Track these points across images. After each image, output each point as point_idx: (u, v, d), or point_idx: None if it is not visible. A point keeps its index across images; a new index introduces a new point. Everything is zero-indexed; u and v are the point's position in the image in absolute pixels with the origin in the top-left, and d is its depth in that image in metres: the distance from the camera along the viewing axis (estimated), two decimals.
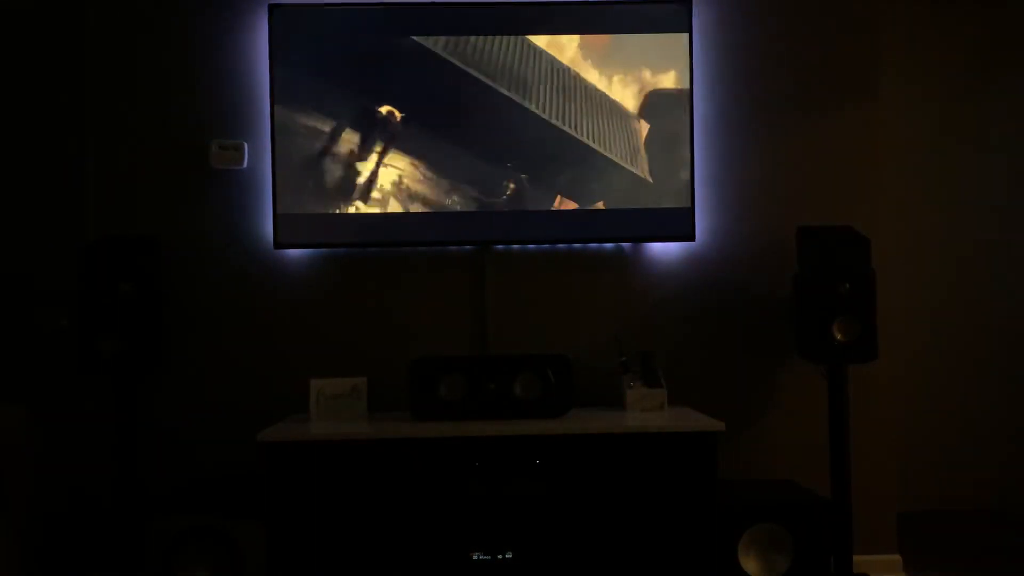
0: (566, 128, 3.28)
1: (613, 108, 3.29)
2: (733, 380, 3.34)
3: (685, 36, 3.29)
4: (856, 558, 3.08)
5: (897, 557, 3.33)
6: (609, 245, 3.34)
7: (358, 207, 3.26)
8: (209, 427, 3.23)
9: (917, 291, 4.32)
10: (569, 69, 3.28)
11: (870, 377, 3.26)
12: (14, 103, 3.28)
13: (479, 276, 3.33)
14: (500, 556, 2.77)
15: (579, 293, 3.34)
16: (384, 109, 3.27)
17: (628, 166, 3.29)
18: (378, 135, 3.26)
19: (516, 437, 2.80)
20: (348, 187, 3.26)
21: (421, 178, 3.27)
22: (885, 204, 3.39)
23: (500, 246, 3.32)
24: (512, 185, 3.28)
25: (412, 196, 3.27)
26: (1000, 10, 4.34)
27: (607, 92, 3.29)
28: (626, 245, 3.35)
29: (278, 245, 3.25)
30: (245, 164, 3.27)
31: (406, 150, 3.27)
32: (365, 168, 3.26)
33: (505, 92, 3.28)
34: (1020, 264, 4.25)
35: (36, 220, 3.26)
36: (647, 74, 3.29)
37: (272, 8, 3.25)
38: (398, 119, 3.27)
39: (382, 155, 3.26)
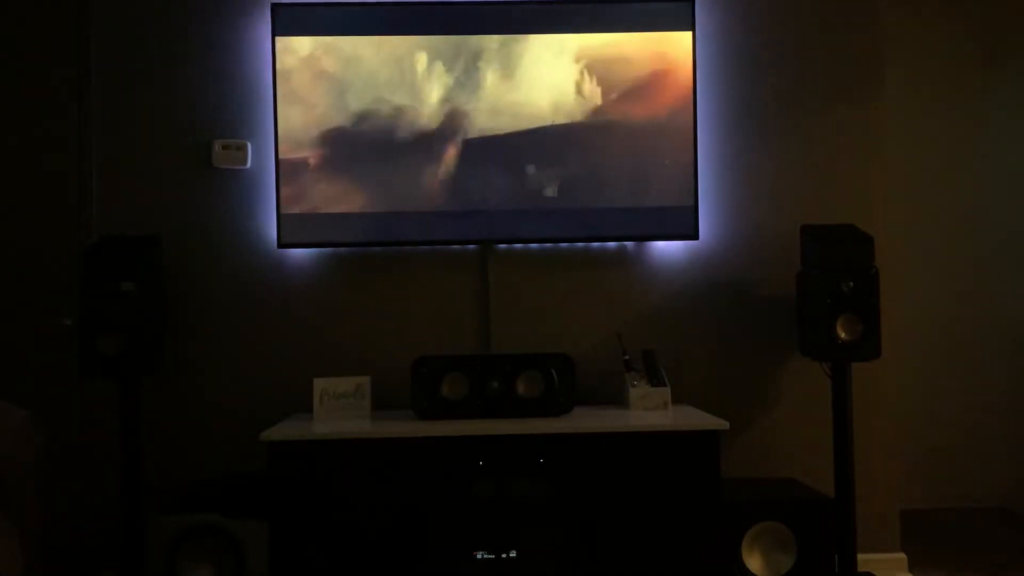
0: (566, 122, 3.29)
1: (614, 102, 3.30)
2: (736, 378, 3.34)
3: (688, 34, 3.29)
4: (860, 556, 3.08)
5: (901, 555, 3.33)
6: (612, 244, 3.34)
7: (362, 206, 3.26)
8: (212, 426, 3.24)
9: (920, 289, 4.32)
10: (571, 65, 3.29)
11: (873, 375, 3.26)
12: (17, 101, 3.28)
13: (482, 275, 3.33)
14: (504, 555, 2.77)
15: (582, 292, 3.34)
16: (388, 107, 3.27)
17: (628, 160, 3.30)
18: (382, 133, 3.26)
19: (519, 436, 2.80)
20: (352, 186, 3.26)
21: (422, 176, 3.27)
22: (888, 202, 3.39)
23: (503, 245, 3.32)
24: (515, 184, 3.28)
25: (414, 195, 3.27)
26: (1003, 7, 4.33)
27: (613, 85, 3.29)
28: (629, 244, 3.35)
29: (281, 244, 3.25)
30: (248, 164, 3.28)
31: (407, 149, 3.27)
32: (368, 167, 3.26)
33: (506, 90, 3.28)
34: (1023, 261, 4.24)
35: (38, 220, 3.26)
36: (649, 72, 3.29)
37: (275, 7, 3.25)
38: (401, 117, 3.27)
39: (385, 154, 3.26)
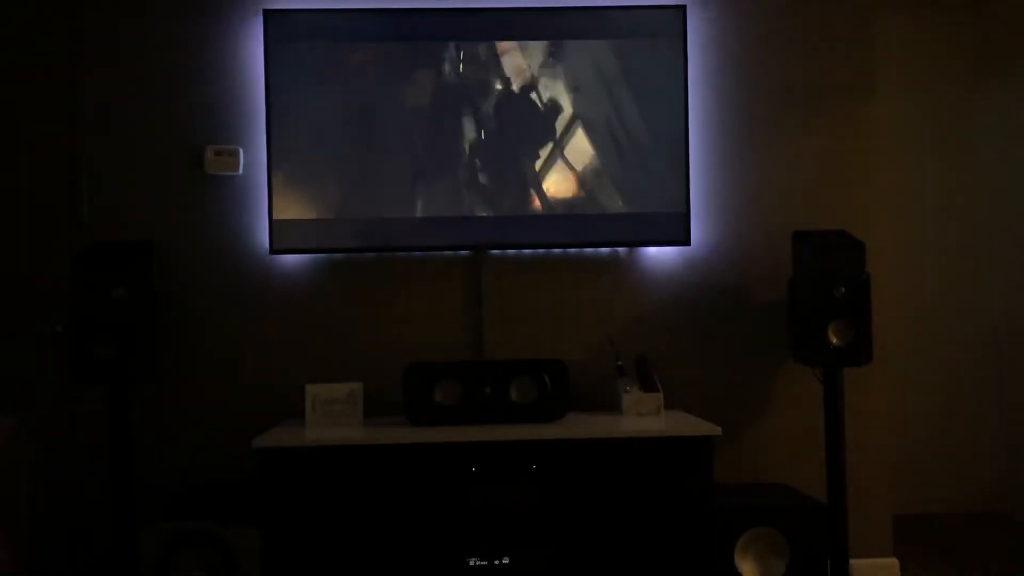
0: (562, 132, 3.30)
1: (609, 108, 3.30)
2: (729, 384, 3.35)
3: (679, 41, 3.30)
4: (852, 561, 3.08)
5: (893, 560, 3.34)
6: (605, 249, 3.35)
7: (354, 212, 3.25)
8: (204, 432, 3.23)
9: (911, 294, 4.34)
10: (565, 71, 3.30)
11: (865, 380, 3.27)
12: (9, 107, 3.27)
13: (475, 281, 3.33)
14: (497, 562, 2.77)
15: (575, 297, 3.34)
16: (380, 113, 3.27)
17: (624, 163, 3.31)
18: (375, 138, 3.26)
19: (512, 442, 2.80)
20: (344, 192, 3.25)
21: (416, 181, 3.27)
22: (879, 208, 3.40)
23: (495, 251, 3.32)
24: (509, 189, 3.29)
25: (408, 200, 3.27)
26: (992, 15, 4.36)
27: (605, 93, 3.30)
28: (622, 249, 3.35)
29: (274, 250, 3.24)
30: (241, 170, 3.27)
31: (403, 153, 3.27)
32: (362, 171, 3.26)
33: (501, 95, 3.29)
34: (1014, 267, 4.26)
35: (30, 225, 3.25)
36: (642, 79, 3.30)
37: (267, 13, 3.25)
38: (395, 122, 3.27)
39: (380, 157, 3.26)
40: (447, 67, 3.29)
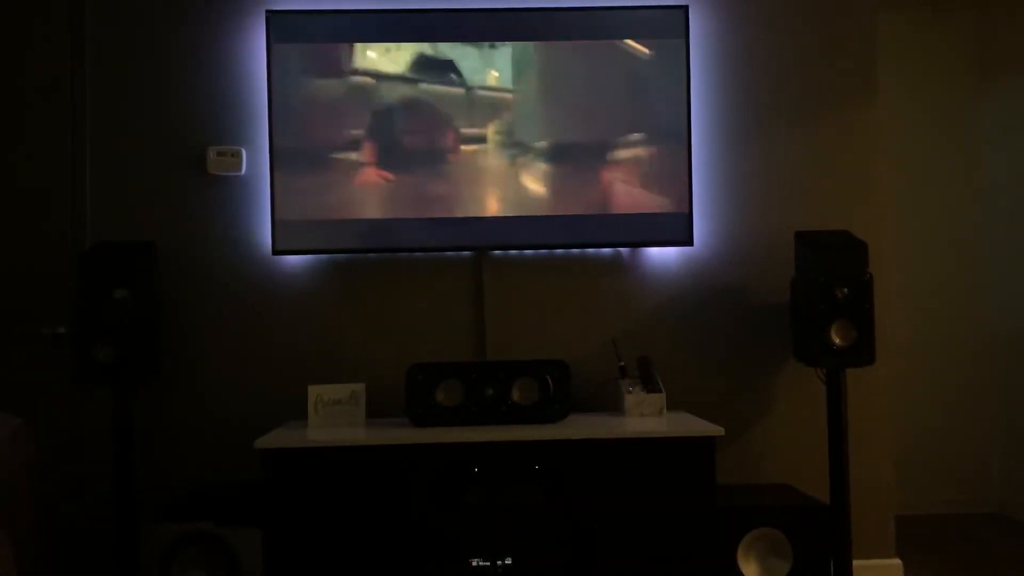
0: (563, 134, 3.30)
1: (610, 110, 3.30)
2: (731, 384, 3.34)
3: (681, 41, 3.30)
4: (855, 562, 3.08)
5: (896, 561, 3.33)
6: (607, 250, 3.35)
7: (356, 213, 3.25)
8: (207, 434, 3.23)
9: (914, 295, 4.34)
10: (565, 72, 3.30)
11: (868, 381, 3.27)
12: (11, 108, 3.27)
13: (477, 281, 3.33)
14: (499, 563, 2.77)
15: (577, 298, 3.34)
16: (382, 115, 3.27)
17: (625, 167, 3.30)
18: (376, 139, 3.27)
19: (514, 443, 2.79)
20: (346, 193, 3.25)
21: (419, 181, 3.27)
22: (882, 208, 3.40)
23: (497, 251, 3.32)
24: (511, 189, 3.29)
25: (409, 201, 3.27)
26: (995, 15, 4.36)
27: (607, 93, 3.30)
28: (624, 250, 3.35)
29: (276, 251, 3.24)
30: (243, 171, 3.27)
31: (404, 155, 3.27)
32: (364, 174, 3.26)
33: (501, 96, 3.29)
34: (1016, 267, 4.26)
35: (32, 226, 3.25)
36: (644, 80, 3.30)
37: (270, 14, 3.25)
38: (395, 124, 3.27)
39: (381, 160, 3.27)
40: (449, 67, 3.29)
